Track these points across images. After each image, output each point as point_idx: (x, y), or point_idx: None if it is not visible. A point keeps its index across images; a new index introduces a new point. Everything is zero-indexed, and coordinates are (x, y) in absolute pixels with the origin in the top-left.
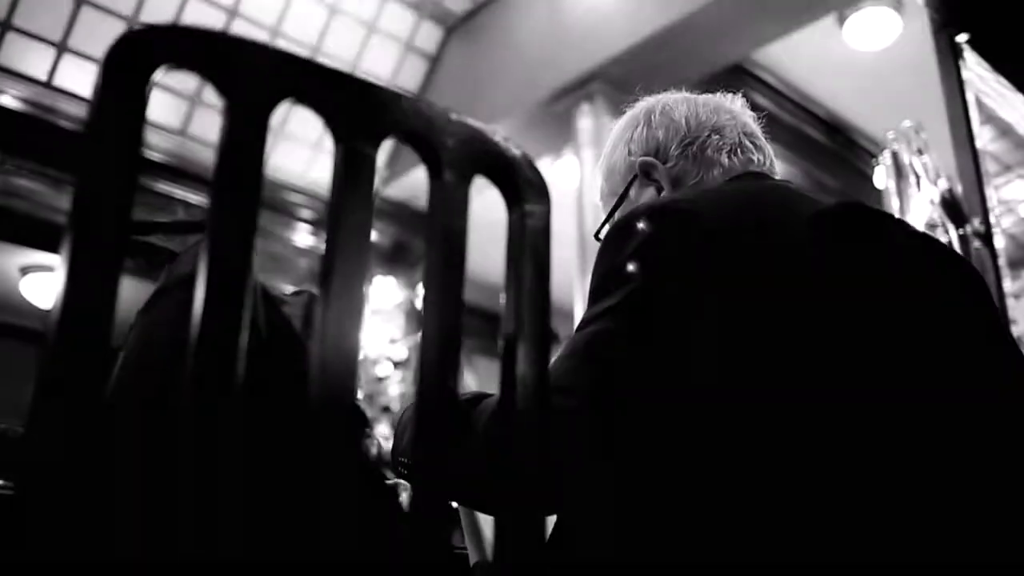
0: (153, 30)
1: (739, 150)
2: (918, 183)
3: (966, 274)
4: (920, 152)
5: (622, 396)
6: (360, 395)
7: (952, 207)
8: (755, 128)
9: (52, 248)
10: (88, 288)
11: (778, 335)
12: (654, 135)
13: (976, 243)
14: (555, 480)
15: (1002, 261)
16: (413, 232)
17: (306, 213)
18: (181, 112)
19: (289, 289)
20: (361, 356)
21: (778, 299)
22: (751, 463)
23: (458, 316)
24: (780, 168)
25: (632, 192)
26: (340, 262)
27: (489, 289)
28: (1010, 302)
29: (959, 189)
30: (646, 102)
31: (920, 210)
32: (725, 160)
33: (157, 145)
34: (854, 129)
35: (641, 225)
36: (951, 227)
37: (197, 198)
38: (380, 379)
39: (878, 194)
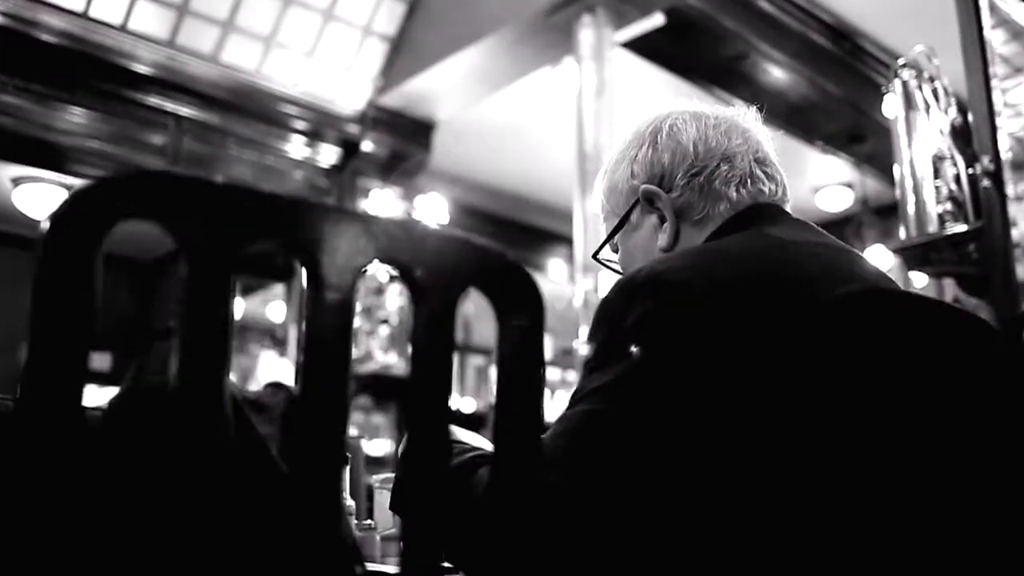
0: (105, 184)
1: (749, 181)
2: (928, 111)
3: (992, 358)
4: (931, 79)
5: (613, 477)
6: (358, 308)
7: (962, 137)
8: (768, 150)
9: (41, 163)
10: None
11: (768, 425)
12: (659, 159)
13: (985, 182)
14: (545, 556)
15: (1010, 191)
16: (410, 141)
17: (300, 124)
18: (168, 23)
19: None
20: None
21: (773, 390)
22: (744, 553)
23: (444, 430)
24: (784, 79)
25: (633, 217)
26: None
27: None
28: (1012, 207)
29: (971, 119)
30: (654, 118)
31: (929, 139)
32: (733, 194)
33: (144, 57)
34: (861, 35)
35: (637, 299)
36: (959, 158)
37: (188, 111)
38: (378, 292)
39: (886, 112)
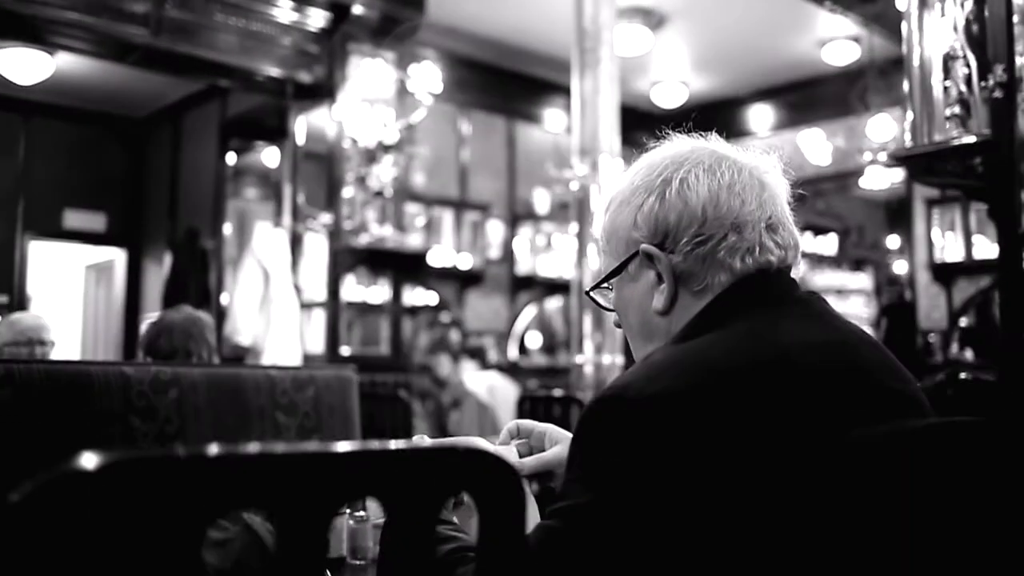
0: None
1: (757, 250)
2: (943, 8)
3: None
4: None
5: None
6: (351, 178)
7: (976, 41)
8: (783, 211)
9: (19, 35)
10: None
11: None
12: (665, 216)
13: (997, 93)
14: None
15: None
16: (402, 3)
17: None
18: None
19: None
20: (351, 144)
21: (757, 523)
22: None
23: None
24: None
25: (631, 268)
26: None
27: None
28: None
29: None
30: (669, 161)
31: (940, 37)
32: (737, 264)
33: None
34: None
35: (622, 422)
36: (972, 59)
37: None
38: (371, 160)
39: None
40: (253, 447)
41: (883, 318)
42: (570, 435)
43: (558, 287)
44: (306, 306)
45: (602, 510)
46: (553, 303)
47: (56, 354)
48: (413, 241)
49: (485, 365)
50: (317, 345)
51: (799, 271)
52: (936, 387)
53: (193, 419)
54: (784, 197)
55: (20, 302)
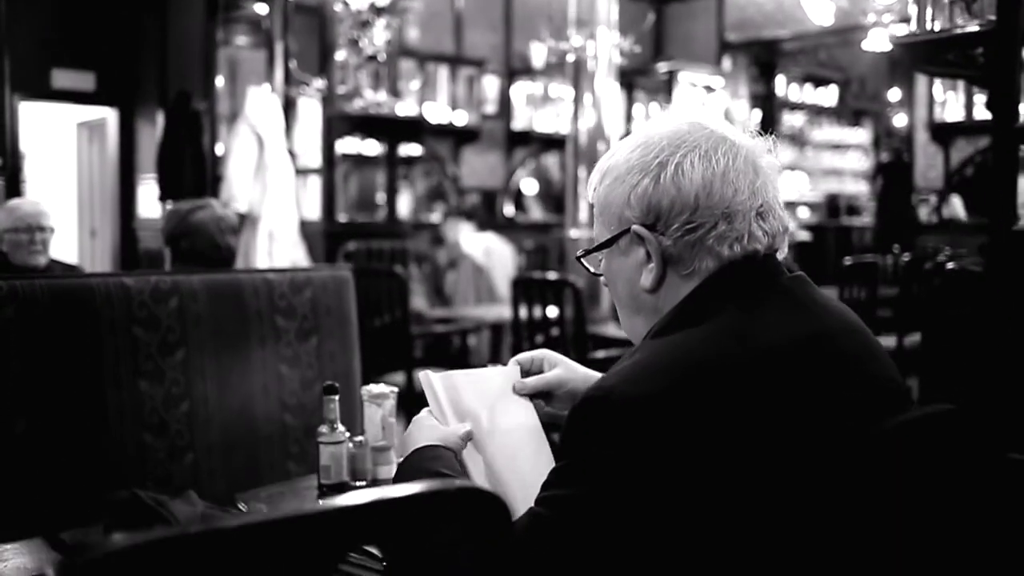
0: None
1: (745, 238)
2: None
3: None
4: None
5: None
6: (343, 41)
7: None
8: (774, 196)
9: None
10: None
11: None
12: (658, 200)
13: None
14: None
15: None
16: None
17: None
18: None
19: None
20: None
21: (738, 519)
22: None
23: None
24: None
25: (622, 243)
26: None
27: None
28: None
29: None
30: (667, 141)
31: None
32: (725, 252)
33: None
34: None
35: (607, 423)
36: None
37: None
38: (364, 24)
39: None
40: (252, 516)
41: (879, 176)
42: (564, 358)
43: (555, 142)
44: (301, 172)
45: (586, 505)
46: (551, 158)
47: (56, 218)
48: (408, 108)
49: (481, 226)
50: (313, 211)
51: (784, 252)
52: (924, 276)
53: (194, 326)
54: (775, 179)
55: (14, 163)
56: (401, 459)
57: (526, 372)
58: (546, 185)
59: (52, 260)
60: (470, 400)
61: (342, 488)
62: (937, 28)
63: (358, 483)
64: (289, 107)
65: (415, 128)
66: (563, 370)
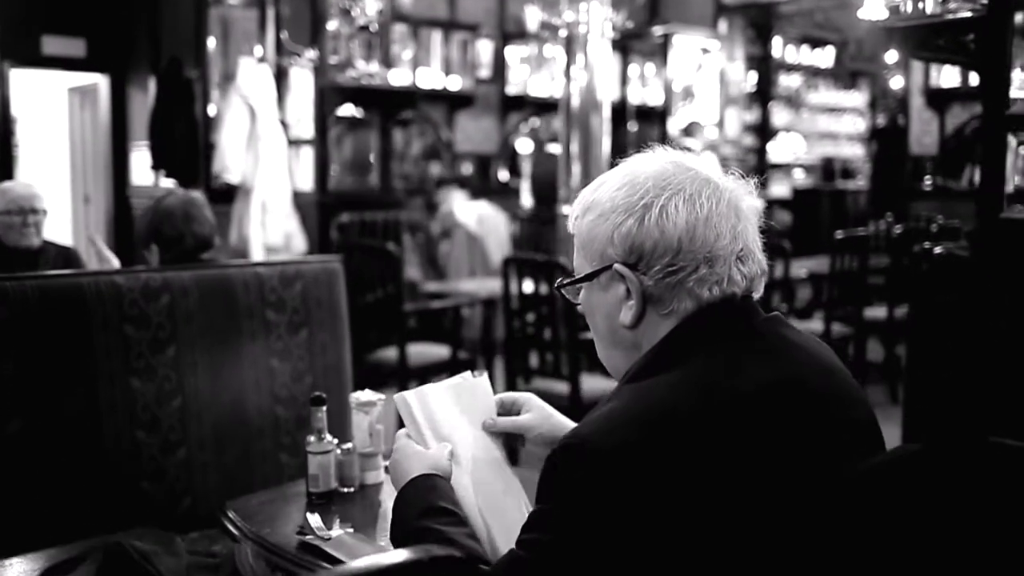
0: None
1: (724, 282)
2: None
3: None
4: None
5: None
6: (335, 11)
7: None
8: (754, 240)
9: None
10: None
11: None
12: (642, 241)
13: None
14: None
15: None
16: None
17: None
18: None
19: None
20: None
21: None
22: None
23: None
24: None
25: (603, 278)
26: None
27: None
28: None
29: None
30: (652, 182)
31: None
32: (704, 294)
33: None
34: None
35: (582, 472)
36: None
37: None
38: None
39: None
40: None
41: (873, 141)
42: (542, 404)
43: (551, 106)
44: (293, 142)
45: (563, 550)
46: (546, 122)
47: (49, 183)
48: (401, 75)
49: (475, 192)
50: (306, 182)
51: (760, 293)
52: (912, 259)
53: (185, 323)
54: (756, 221)
55: (5, 128)
56: (395, 487)
57: (507, 411)
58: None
59: (46, 241)
60: (445, 418)
61: (330, 496)
62: (929, 11)
63: (346, 489)
64: (281, 77)
65: (408, 98)
66: (536, 416)
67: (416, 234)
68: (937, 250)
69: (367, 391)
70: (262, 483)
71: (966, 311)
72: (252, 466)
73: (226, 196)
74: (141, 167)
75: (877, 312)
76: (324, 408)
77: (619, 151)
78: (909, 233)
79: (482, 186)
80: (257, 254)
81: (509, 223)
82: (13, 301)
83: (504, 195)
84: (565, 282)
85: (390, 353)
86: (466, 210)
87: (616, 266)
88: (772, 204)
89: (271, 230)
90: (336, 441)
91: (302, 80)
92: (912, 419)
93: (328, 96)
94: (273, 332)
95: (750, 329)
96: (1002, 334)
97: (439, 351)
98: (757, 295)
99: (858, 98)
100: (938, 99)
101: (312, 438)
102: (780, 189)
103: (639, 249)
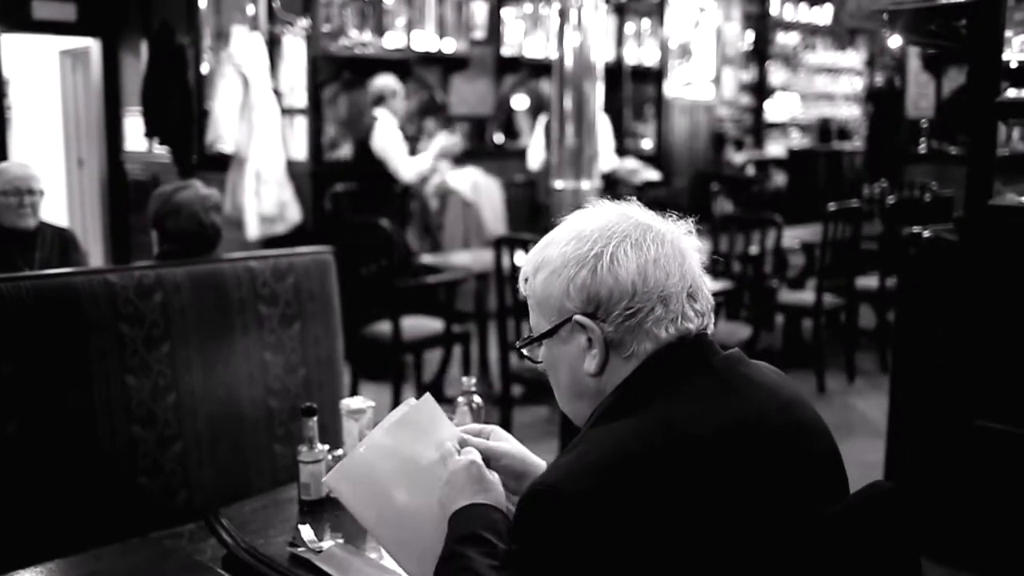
0: None
1: (679, 320)
2: None
3: None
4: None
5: None
6: None
7: None
8: (699, 277)
9: None
10: None
11: None
12: (597, 290)
13: None
14: None
15: None
16: None
17: None
18: None
19: None
20: None
21: None
22: None
23: None
24: None
25: (563, 332)
26: None
27: None
28: None
29: None
30: (599, 233)
31: None
32: (662, 334)
33: None
34: None
35: (549, 518)
36: None
37: None
38: None
39: None
40: None
41: (869, 104)
42: (509, 436)
43: (546, 68)
44: (287, 111)
45: None
46: (543, 85)
47: (42, 146)
48: (395, 40)
49: (471, 156)
50: (300, 152)
51: (712, 328)
52: (901, 244)
53: (179, 319)
54: (698, 259)
55: None
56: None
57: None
58: (538, 109)
59: (42, 223)
60: (410, 453)
61: (322, 503)
62: None
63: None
64: (274, 45)
65: (402, 67)
66: (506, 446)
67: (411, 202)
68: (926, 234)
69: (357, 398)
70: (257, 473)
71: (954, 295)
72: (247, 457)
73: (220, 163)
74: (135, 132)
75: (869, 281)
76: (315, 418)
77: (615, 112)
78: (902, 204)
79: (477, 149)
80: (252, 223)
81: (502, 190)
82: (9, 302)
83: (500, 157)
84: (526, 341)
85: (384, 327)
86: (459, 177)
87: (576, 317)
88: (768, 164)
89: (265, 199)
90: (327, 447)
91: (295, 49)
92: (900, 394)
93: (321, 65)
94: (266, 326)
95: (709, 369)
96: (988, 321)
97: (433, 324)
98: (711, 330)
99: (855, 58)
100: (934, 62)
101: (303, 447)
102: (776, 149)
103: (596, 298)
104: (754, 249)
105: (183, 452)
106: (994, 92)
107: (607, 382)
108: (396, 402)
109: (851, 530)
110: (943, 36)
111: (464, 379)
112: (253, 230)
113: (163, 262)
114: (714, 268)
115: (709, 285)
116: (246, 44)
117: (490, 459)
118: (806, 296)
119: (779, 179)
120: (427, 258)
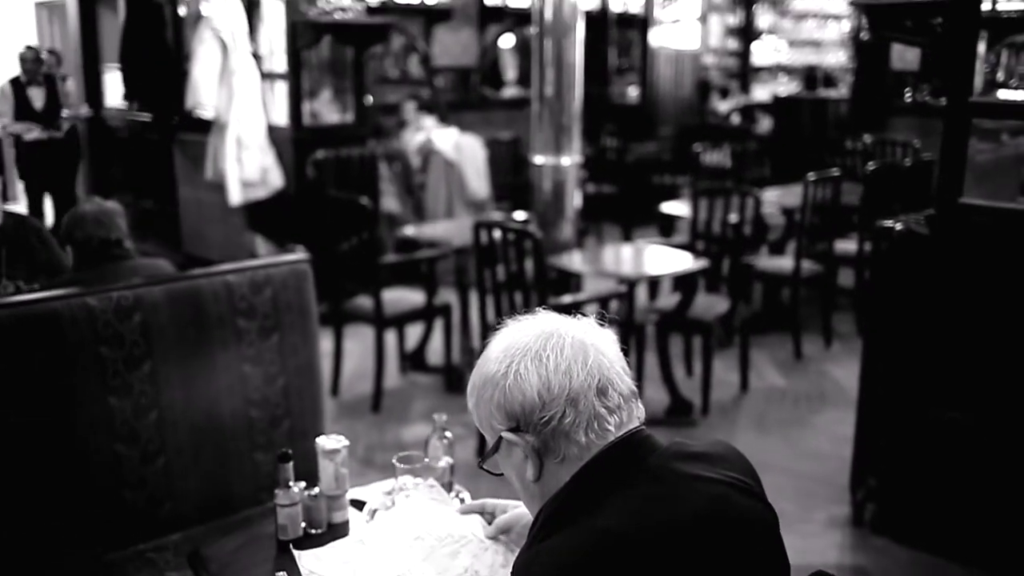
0: None
1: (595, 423)
2: None
3: None
4: None
5: None
6: None
7: None
8: (609, 373)
9: None
10: None
11: None
12: (512, 407)
13: None
14: None
15: None
16: None
17: None
18: None
19: None
20: None
21: None
22: None
23: None
24: None
25: (501, 447)
26: None
27: None
28: None
29: None
30: (501, 360)
31: None
32: (582, 438)
33: None
34: None
35: None
36: None
37: None
38: None
39: None
40: None
41: (856, 54)
42: (514, 505)
43: (530, 17)
44: (267, 76)
45: None
46: (526, 33)
47: None
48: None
49: (444, 118)
50: (280, 117)
51: (640, 412)
52: (875, 238)
53: (159, 338)
54: (611, 346)
55: None
56: None
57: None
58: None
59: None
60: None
61: (299, 542)
62: None
63: (314, 530)
64: (252, 8)
65: (382, 32)
66: (511, 515)
67: (393, 163)
68: (898, 227)
69: (332, 437)
70: (239, 480)
71: (923, 290)
72: (228, 466)
73: (202, 126)
74: (115, 88)
75: (848, 246)
76: (291, 464)
77: (599, 61)
78: (881, 171)
79: (462, 99)
80: (234, 189)
81: (485, 149)
82: None
83: (484, 107)
84: (481, 460)
85: (365, 301)
86: (443, 137)
87: (503, 434)
88: (755, 108)
89: (247, 165)
90: (303, 484)
91: (274, 12)
92: (870, 377)
93: (300, 30)
94: (244, 339)
95: (644, 470)
96: (955, 315)
97: (414, 297)
98: (640, 418)
99: (842, 3)
100: None
101: (280, 492)
102: (762, 94)
103: (513, 414)
104: (733, 217)
105: (166, 465)
106: (967, 91)
107: (547, 485)
108: (379, 371)
109: None
110: (918, 33)
111: (435, 416)
112: (235, 195)
113: (142, 282)
114: (693, 245)
115: (627, 376)
116: (224, 7)
117: (512, 526)
118: (785, 263)
119: (765, 123)
120: (409, 230)
